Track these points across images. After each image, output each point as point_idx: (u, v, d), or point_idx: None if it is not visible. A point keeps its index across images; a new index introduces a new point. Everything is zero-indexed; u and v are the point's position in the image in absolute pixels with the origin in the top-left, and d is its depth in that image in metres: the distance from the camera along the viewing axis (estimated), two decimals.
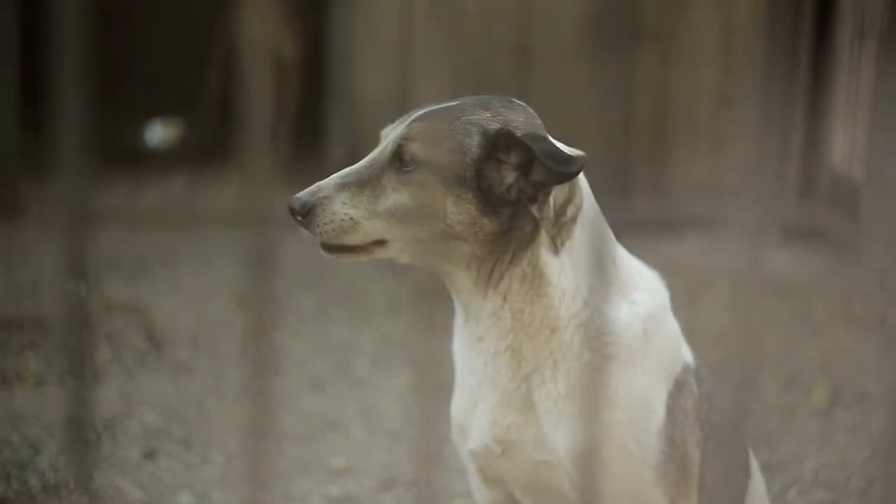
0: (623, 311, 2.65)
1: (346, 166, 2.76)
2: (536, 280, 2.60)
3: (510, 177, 2.54)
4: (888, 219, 6.50)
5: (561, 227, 2.60)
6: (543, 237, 2.58)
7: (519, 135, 2.54)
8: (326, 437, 4.74)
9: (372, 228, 2.60)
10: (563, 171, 2.50)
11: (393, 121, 2.68)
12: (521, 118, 2.62)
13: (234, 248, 7.05)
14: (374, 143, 2.70)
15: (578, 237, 2.62)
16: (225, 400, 4.97)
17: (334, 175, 2.66)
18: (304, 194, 2.63)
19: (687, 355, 2.76)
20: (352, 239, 2.63)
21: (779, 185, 7.85)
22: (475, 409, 2.73)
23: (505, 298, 2.61)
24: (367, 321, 6.08)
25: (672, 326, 2.76)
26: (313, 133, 8.81)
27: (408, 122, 2.63)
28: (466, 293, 2.64)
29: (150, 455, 4.46)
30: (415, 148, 2.57)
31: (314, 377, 5.36)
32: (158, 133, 9.57)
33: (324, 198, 2.61)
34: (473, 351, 2.69)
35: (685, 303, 6.17)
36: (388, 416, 4.89)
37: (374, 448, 4.62)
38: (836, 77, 7.62)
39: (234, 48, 9.13)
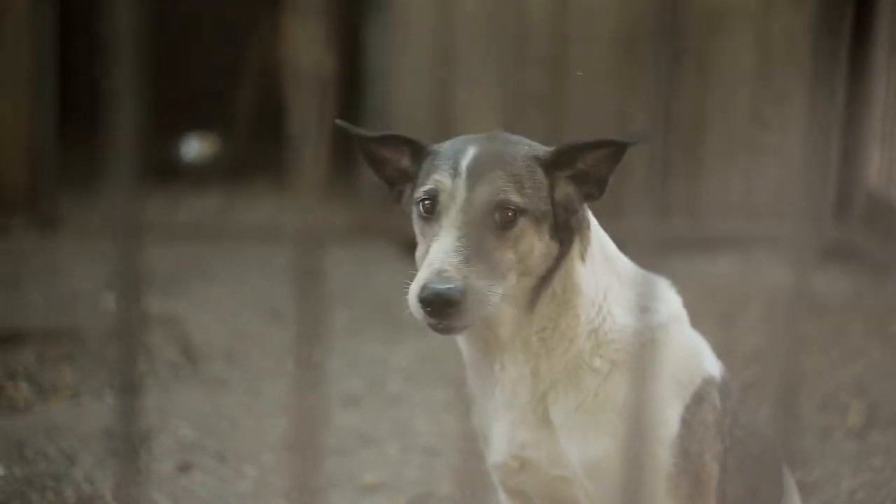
0: (634, 317, 2.66)
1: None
2: (568, 292, 2.61)
3: (571, 192, 2.58)
4: None
5: (583, 233, 2.65)
6: (575, 248, 2.61)
7: (569, 144, 2.60)
8: (360, 452, 4.74)
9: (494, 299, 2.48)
10: (643, 139, 2.51)
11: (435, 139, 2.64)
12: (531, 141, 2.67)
13: (269, 263, 7.08)
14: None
15: (594, 243, 2.67)
16: (259, 414, 4.98)
17: (440, 251, 2.44)
18: (443, 279, 2.38)
19: (711, 368, 2.74)
20: (489, 313, 2.49)
21: (815, 205, 7.81)
22: (494, 424, 2.74)
23: (534, 320, 2.60)
24: (401, 337, 6.08)
25: (688, 336, 2.75)
26: (349, 151, 8.83)
27: (487, 173, 2.51)
28: (504, 326, 2.60)
29: (184, 468, 4.47)
30: (511, 200, 2.49)
31: (348, 393, 5.36)
32: (195, 148, 9.62)
33: (468, 281, 2.40)
34: (491, 380, 2.68)
35: (721, 322, 6.17)
36: (421, 433, 4.89)
37: (407, 464, 4.61)
38: (872, 97, 7.59)
39: (270, 65, 9.17)
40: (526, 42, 7.94)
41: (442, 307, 2.37)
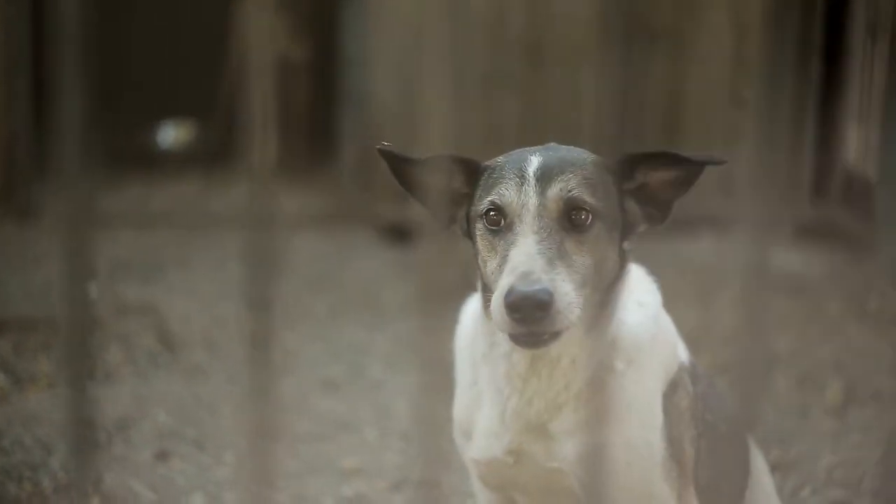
0: (634, 313, 2.64)
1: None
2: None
3: (635, 208, 2.54)
4: None
5: None
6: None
7: (646, 155, 2.54)
8: (339, 438, 4.73)
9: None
10: (714, 161, 2.52)
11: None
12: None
13: (245, 250, 7.06)
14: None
15: None
16: (237, 402, 4.97)
17: (522, 254, 2.36)
18: (531, 281, 2.28)
19: (682, 354, 2.75)
20: (576, 320, 2.37)
21: (792, 184, 7.83)
22: (479, 413, 2.72)
23: (588, 339, 2.55)
24: (380, 323, 6.08)
25: (669, 325, 2.76)
26: (325, 137, 8.81)
27: (557, 177, 2.43)
28: (569, 341, 2.50)
29: (162, 456, 4.46)
30: (587, 201, 2.41)
31: (328, 379, 5.36)
32: (170, 135, 9.59)
33: (556, 284, 2.30)
34: (510, 387, 2.62)
35: (700, 302, 6.17)
36: (400, 418, 4.88)
37: (386, 449, 4.61)
38: (848, 76, 7.60)
39: (244, 51, 9.13)
40: (502, 25, 7.93)
41: (531, 311, 2.26)
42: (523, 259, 2.31)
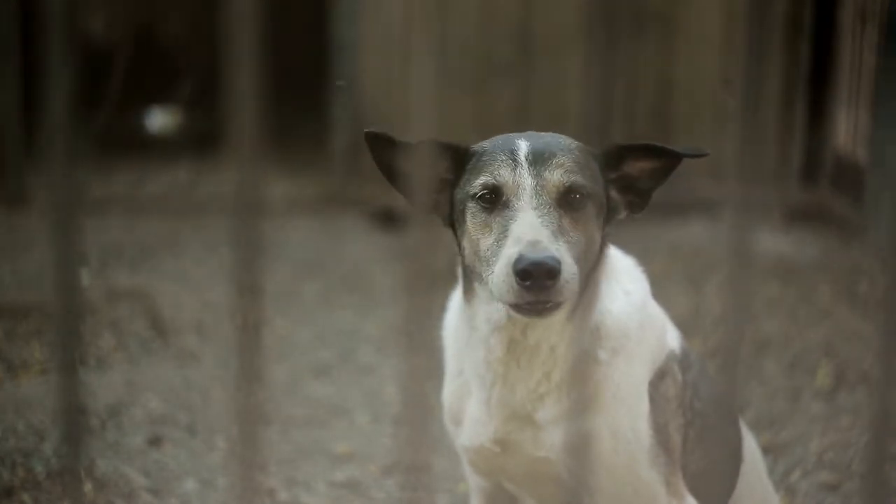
0: (619, 301, 2.65)
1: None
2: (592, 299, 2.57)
3: (617, 196, 2.59)
4: (892, 200, 6.48)
5: None
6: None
7: (630, 146, 2.58)
8: (331, 422, 4.74)
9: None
10: (696, 153, 2.58)
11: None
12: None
13: (233, 236, 7.06)
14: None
15: None
16: (229, 387, 4.98)
17: (526, 225, 2.38)
18: (539, 248, 2.30)
19: (672, 342, 2.75)
20: (575, 295, 2.40)
21: (782, 168, 7.84)
22: (468, 400, 2.73)
23: (568, 328, 2.57)
24: (371, 308, 6.09)
25: (658, 313, 2.76)
26: (317, 122, 8.81)
27: (551, 160, 2.46)
28: (538, 329, 2.56)
29: (154, 442, 4.47)
30: (581, 182, 2.45)
31: (319, 364, 5.37)
32: (159, 120, 9.58)
33: (561, 253, 2.33)
34: (491, 374, 2.64)
35: (691, 285, 6.18)
36: (392, 402, 4.90)
37: (378, 434, 4.62)
38: (838, 60, 7.61)
39: (228, 33, 9.10)
40: (493, 11, 7.92)
41: (541, 278, 2.26)
42: (528, 230, 2.33)
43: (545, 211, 2.39)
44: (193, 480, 4.17)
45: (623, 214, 2.60)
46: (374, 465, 4.34)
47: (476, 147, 2.60)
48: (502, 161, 2.48)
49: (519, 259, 2.27)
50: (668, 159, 2.57)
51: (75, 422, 1.34)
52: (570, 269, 2.29)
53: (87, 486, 4.02)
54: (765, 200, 7.57)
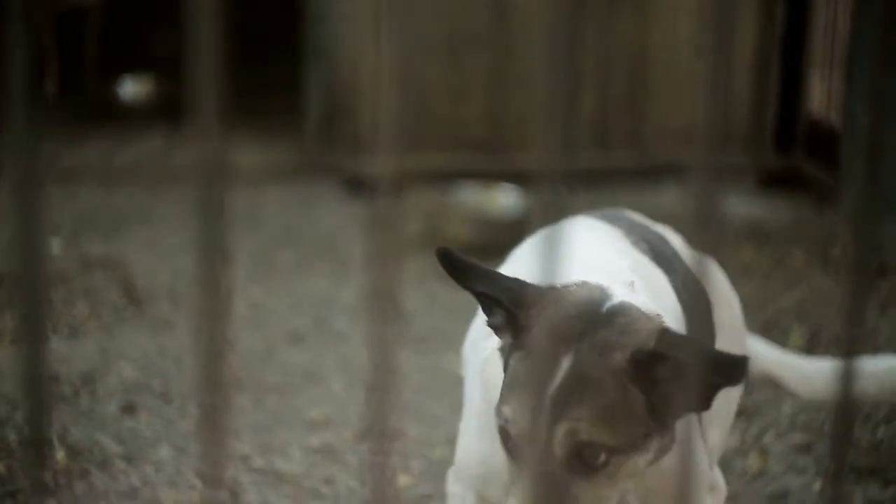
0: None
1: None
2: None
3: (672, 396, 2.09)
4: (865, 165, 6.50)
5: None
6: None
7: (659, 351, 2.07)
8: (305, 389, 4.75)
9: None
10: (732, 378, 2.05)
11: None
12: (638, 318, 2.15)
13: (197, 204, 7.03)
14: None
15: None
16: (198, 354, 4.97)
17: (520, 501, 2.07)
18: None
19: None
20: None
21: (755, 133, 7.85)
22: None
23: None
24: (346, 275, 6.08)
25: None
26: (291, 92, 8.77)
27: (565, 411, 2.04)
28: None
29: (128, 409, 4.47)
30: (602, 443, 2.05)
31: (293, 331, 5.36)
32: (130, 89, 9.52)
33: None
34: None
35: None
36: (366, 369, 4.89)
37: (352, 400, 4.63)
38: (813, 24, 7.61)
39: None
40: None
41: None
42: None
43: (549, 480, 2.06)
44: (168, 447, 4.17)
45: (680, 413, 2.15)
46: (349, 431, 4.34)
47: (529, 335, 2.15)
48: (527, 395, 2.09)
49: None
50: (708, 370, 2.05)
51: (41, 391, 1.33)
52: None
53: (61, 454, 4.02)
54: (738, 165, 7.58)
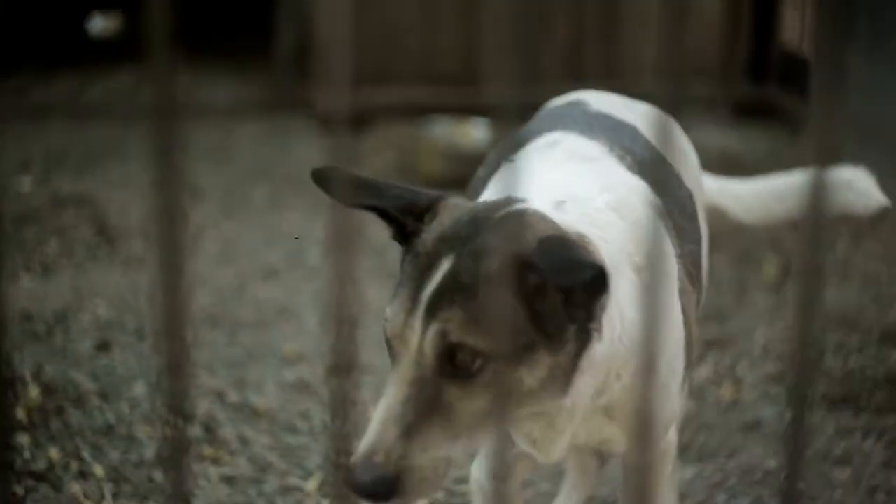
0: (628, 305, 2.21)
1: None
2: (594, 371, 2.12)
3: (558, 306, 1.99)
4: (838, 96, 6.50)
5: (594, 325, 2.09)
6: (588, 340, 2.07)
7: (529, 259, 1.95)
8: (279, 324, 4.75)
9: (456, 458, 2.03)
10: (571, 282, 1.95)
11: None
12: (530, 226, 2.03)
13: (184, 141, 7.00)
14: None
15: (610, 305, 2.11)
16: (157, 289, 4.95)
17: (377, 420, 1.95)
18: (370, 466, 1.91)
19: (668, 248, 2.38)
20: (444, 483, 2.07)
21: (728, 64, 7.84)
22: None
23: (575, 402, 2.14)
24: (319, 211, 6.06)
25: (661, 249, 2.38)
26: (262, 25, 8.70)
27: (438, 310, 1.95)
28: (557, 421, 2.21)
29: (103, 347, 4.46)
30: (475, 346, 1.93)
31: (266, 267, 5.36)
32: (99, 25, 9.42)
33: (406, 462, 1.92)
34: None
35: None
36: (331, 304, 4.89)
37: (326, 335, 4.62)
38: None
39: None
40: None
41: (370, 499, 1.93)
42: (375, 428, 1.94)
43: (419, 387, 1.95)
44: (143, 384, 4.17)
45: (567, 328, 2.02)
46: (323, 366, 4.35)
47: (416, 239, 2.08)
48: (406, 295, 2.01)
49: (350, 473, 1.92)
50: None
51: (7, 329, 1.32)
52: (420, 473, 1.94)
53: (35, 392, 4.01)
54: (711, 96, 7.57)
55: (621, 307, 2.10)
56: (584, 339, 2.04)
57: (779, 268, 5.21)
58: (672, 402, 2.36)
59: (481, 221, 2.01)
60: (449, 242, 2.00)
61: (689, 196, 2.69)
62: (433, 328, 1.94)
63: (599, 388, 2.15)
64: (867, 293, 4.99)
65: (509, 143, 2.53)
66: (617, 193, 2.26)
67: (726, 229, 3.51)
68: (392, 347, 2.01)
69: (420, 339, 1.95)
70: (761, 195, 3.46)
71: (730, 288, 5.03)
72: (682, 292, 2.34)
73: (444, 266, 1.97)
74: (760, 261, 5.30)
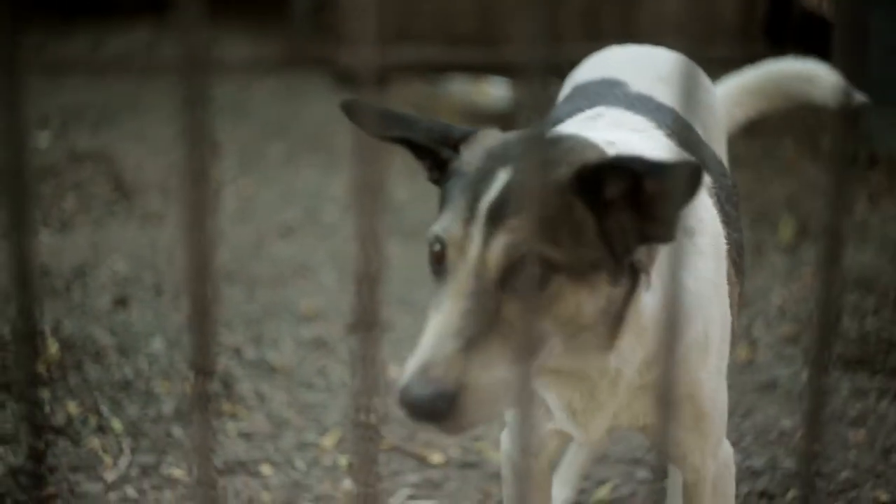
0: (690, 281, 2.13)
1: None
2: (640, 328, 2.01)
3: (627, 224, 1.86)
4: (858, 57, 6.47)
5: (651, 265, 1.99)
6: (642, 283, 1.97)
7: (607, 165, 1.85)
8: (296, 281, 4.76)
9: (512, 381, 1.80)
10: (672, 177, 1.80)
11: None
12: (586, 146, 1.95)
13: (202, 96, 7.00)
14: None
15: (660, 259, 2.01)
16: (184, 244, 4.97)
17: (434, 334, 1.76)
18: (428, 380, 1.72)
19: (717, 227, 2.32)
20: (499, 411, 1.90)
21: (746, 25, 7.80)
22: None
23: (612, 363, 2.04)
24: (336, 168, 6.07)
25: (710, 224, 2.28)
26: None
27: (503, 220, 1.81)
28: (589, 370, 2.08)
29: (121, 302, 4.48)
30: (541, 255, 1.79)
31: (284, 224, 5.37)
32: None
33: (466, 378, 1.73)
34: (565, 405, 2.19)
35: None
36: (354, 261, 4.90)
37: (343, 292, 4.64)
38: None
39: None
40: None
41: (424, 417, 1.75)
42: (432, 342, 1.75)
43: (478, 300, 1.79)
44: (160, 339, 4.19)
45: (634, 249, 1.90)
46: (339, 323, 4.37)
47: (458, 161, 1.97)
48: (461, 206, 1.87)
49: (403, 388, 1.74)
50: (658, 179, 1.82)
51: (29, 285, 1.33)
52: (479, 394, 1.74)
53: (55, 347, 4.04)
54: (729, 56, 7.54)
55: (673, 267, 1.81)
56: (636, 281, 1.93)
57: (795, 229, 5.21)
58: (725, 392, 2.26)
59: (534, 140, 1.65)
60: (501, 158, 1.88)
61: (735, 185, 2.64)
62: (500, 238, 1.80)
63: (646, 359, 2.06)
64: (884, 255, 4.99)
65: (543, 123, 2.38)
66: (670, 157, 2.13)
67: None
68: (442, 261, 1.86)
69: (481, 249, 1.80)
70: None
71: (747, 248, 5.02)
72: (727, 281, 2.27)
73: (502, 177, 1.84)
74: (777, 222, 5.29)
